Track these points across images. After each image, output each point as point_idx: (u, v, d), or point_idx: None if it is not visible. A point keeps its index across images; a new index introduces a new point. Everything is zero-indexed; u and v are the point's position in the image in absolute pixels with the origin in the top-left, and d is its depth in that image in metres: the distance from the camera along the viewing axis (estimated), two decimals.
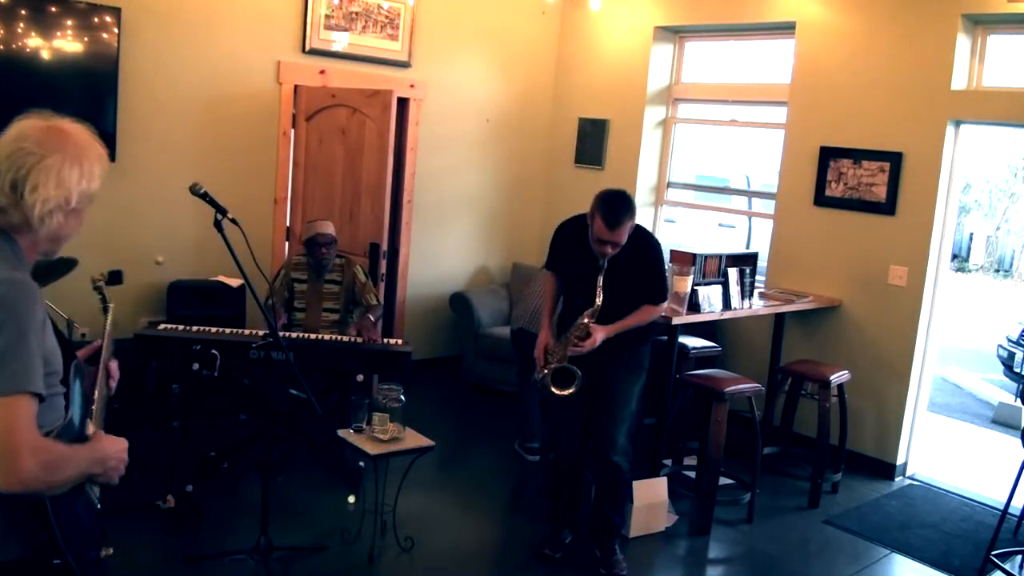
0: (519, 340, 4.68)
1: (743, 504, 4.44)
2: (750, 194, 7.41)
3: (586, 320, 3.53)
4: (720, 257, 4.83)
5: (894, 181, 5.03)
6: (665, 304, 3.82)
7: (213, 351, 3.96)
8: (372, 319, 4.67)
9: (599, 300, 3.50)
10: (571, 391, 3.60)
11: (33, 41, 4.42)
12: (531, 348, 3.84)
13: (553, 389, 3.63)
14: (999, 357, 8.85)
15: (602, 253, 3.51)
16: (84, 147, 1.69)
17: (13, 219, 1.62)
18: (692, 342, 5.22)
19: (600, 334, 3.54)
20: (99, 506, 1.80)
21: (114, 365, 1.97)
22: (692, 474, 4.84)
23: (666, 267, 4.58)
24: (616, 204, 3.45)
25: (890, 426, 5.13)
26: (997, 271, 20.84)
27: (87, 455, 1.67)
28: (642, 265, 3.63)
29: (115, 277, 2.14)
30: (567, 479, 3.89)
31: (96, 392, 1.85)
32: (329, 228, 4.79)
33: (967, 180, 16.82)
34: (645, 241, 3.69)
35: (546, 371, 3.64)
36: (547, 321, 3.80)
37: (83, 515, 1.72)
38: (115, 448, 1.75)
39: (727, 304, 4.81)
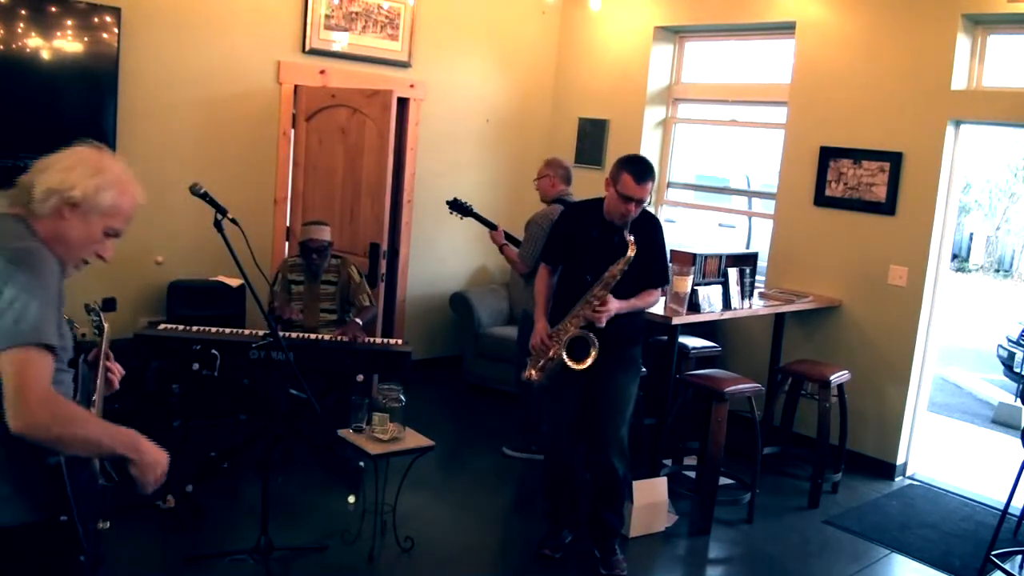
0: (528, 325, 4.66)
1: (743, 504, 4.44)
2: (750, 194, 7.41)
3: (604, 285, 3.49)
4: (720, 257, 4.83)
5: (894, 181, 5.03)
6: (664, 289, 3.79)
7: (213, 351, 3.96)
8: (359, 322, 4.59)
9: (631, 251, 3.45)
10: (588, 363, 3.51)
11: (33, 41, 4.42)
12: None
13: (570, 363, 3.52)
14: (999, 357, 8.85)
15: (625, 213, 3.52)
16: (108, 168, 1.86)
17: (24, 202, 1.81)
18: (692, 342, 5.22)
19: (614, 304, 3.49)
20: (101, 480, 1.88)
21: (115, 365, 2.08)
22: (692, 474, 4.84)
23: (669, 275, 4.60)
24: (641, 161, 3.58)
25: (890, 426, 5.13)
26: (997, 271, 20.85)
27: (115, 432, 1.77)
28: (648, 245, 3.63)
29: (109, 304, 2.28)
30: (560, 480, 3.89)
31: (96, 392, 1.97)
32: (324, 234, 4.73)
33: (967, 180, 16.82)
34: (652, 221, 3.72)
35: (552, 356, 3.57)
36: (542, 312, 3.74)
37: (88, 486, 1.82)
38: (155, 450, 1.85)
39: (727, 304, 4.81)
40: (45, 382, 1.66)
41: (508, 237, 5.03)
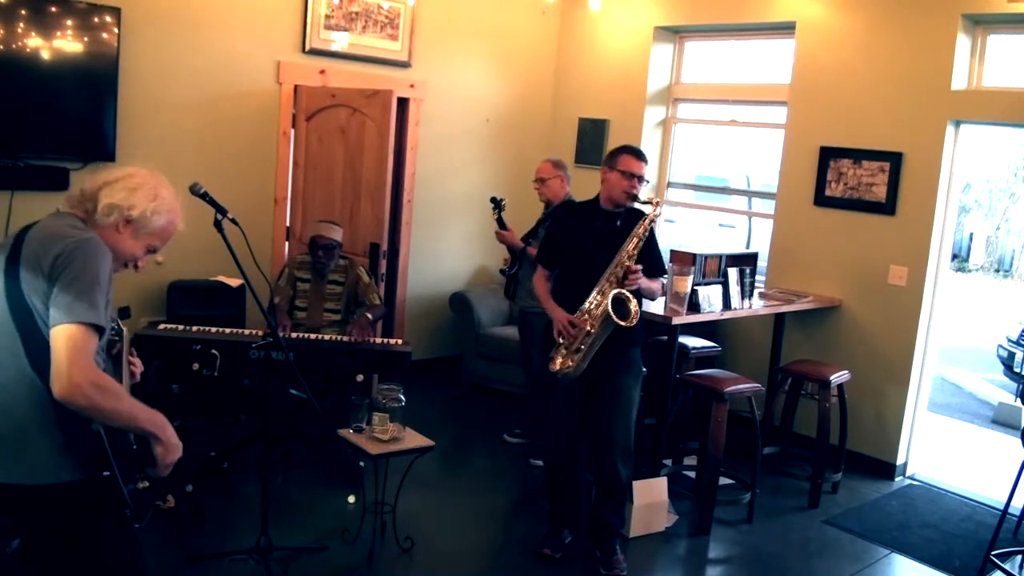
0: (529, 322, 4.64)
1: (743, 504, 4.44)
2: (750, 194, 7.41)
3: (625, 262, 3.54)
4: (720, 257, 4.83)
5: (894, 181, 5.03)
6: (662, 281, 3.87)
7: (213, 351, 3.96)
8: (369, 317, 4.63)
9: (654, 211, 3.61)
10: (632, 320, 3.47)
11: (33, 41, 4.42)
12: (541, 329, 3.81)
13: (618, 320, 3.43)
14: (999, 357, 8.84)
15: (630, 188, 3.61)
16: (162, 194, 2.14)
17: (87, 208, 2.06)
18: (692, 342, 5.22)
19: (640, 272, 3.57)
20: (135, 446, 2.05)
21: (136, 359, 2.32)
22: (692, 474, 4.84)
23: (665, 266, 4.60)
24: (633, 145, 3.79)
25: (890, 426, 5.13)
26: (997, 271, 20.85)
27: (147, 412, 1.97)
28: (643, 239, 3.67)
29: (124, 313, 2.49)
30: (561, 480, 3.88)
31: (123, 382, 2.15)
32: (333, 233, 4.74)
33: (967, 180, 16.82)
34: (641, 215, 3.74)
35: (588, 330, 3.49)
36: (554, 303, 3.68)
37: (125, 448, 2.01)
38: (175, 437, 2.04)
39: (727, 304, 4.81)
40: (90, 356, 1.86)
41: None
